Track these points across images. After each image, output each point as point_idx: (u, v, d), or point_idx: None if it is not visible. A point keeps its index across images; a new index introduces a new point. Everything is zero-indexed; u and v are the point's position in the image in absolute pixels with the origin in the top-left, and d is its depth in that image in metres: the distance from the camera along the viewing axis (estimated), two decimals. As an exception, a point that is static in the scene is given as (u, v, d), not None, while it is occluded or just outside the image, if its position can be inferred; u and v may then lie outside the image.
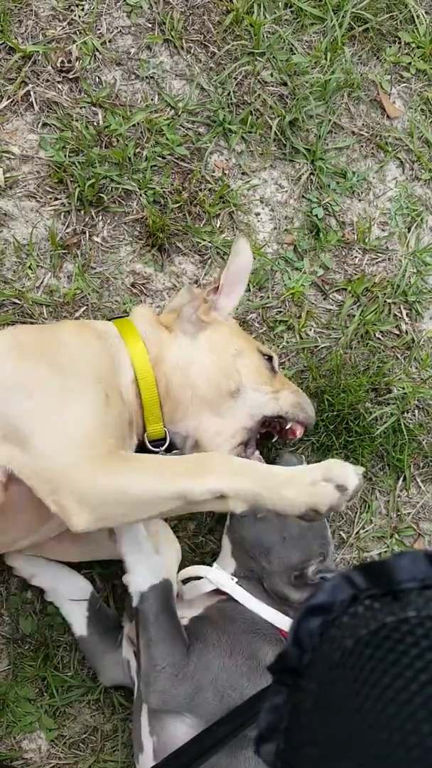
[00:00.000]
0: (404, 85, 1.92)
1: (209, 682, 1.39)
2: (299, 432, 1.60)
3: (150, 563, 1.47)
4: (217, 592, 1.52)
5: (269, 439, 1.64)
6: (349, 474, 1.27)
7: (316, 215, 1.82)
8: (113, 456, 1.25)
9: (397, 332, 1.83)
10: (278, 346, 1.78)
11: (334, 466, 1.28)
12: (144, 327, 1.51)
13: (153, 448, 1.47)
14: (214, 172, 1.80)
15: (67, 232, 1.72)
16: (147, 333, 1.50)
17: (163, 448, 1.47)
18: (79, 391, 1.30)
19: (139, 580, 1.45)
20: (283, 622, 1.48)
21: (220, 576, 1.52)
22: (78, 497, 1.20)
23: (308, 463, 1.74)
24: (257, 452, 1.55)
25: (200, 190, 1.78)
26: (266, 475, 1.26)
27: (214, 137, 1.80)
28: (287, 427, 1.58)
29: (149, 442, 1.47)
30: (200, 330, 1.52)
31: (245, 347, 1.55)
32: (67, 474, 1.21)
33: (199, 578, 1.55)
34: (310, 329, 1.80)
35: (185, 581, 1.57)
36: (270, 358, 1.59)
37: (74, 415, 1.27)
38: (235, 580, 1.51)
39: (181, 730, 1.39)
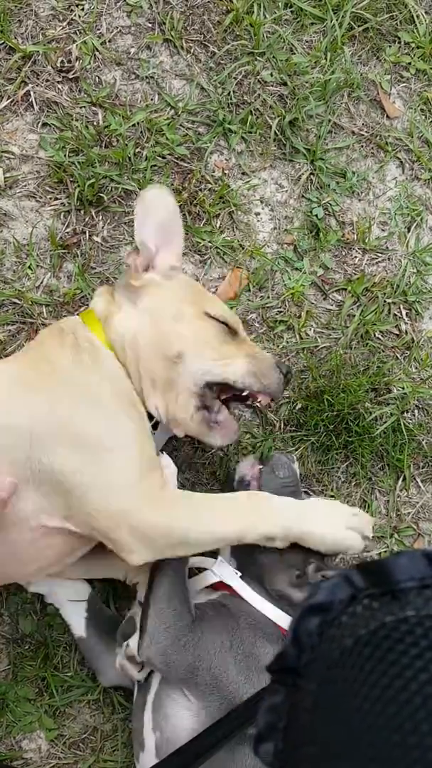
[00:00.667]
0: (404, 84, 1.92)
1: (207, 667, 1.39)
2: (264, 400, 1.51)
3: None
4: (219, 587, 1.52)
5: (245, 401, 1.55)
6: (370, 525, 1.42)
7: (316, 215, 1.82)
8: (167, 494, 1.32)
9: (397, 332, 1.83)
10: (278, 346, 1.78)
11: (363, 517, 1.42)
12: (100, 308, 1.48)
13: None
14: (214, 171, 1.80)
15: (67, 232, 1.72)
16: (101, 313, 1.47)
17: (151, 423, 1.46)
18: (109, 424, 1.32)
19: None
20: (285, 619, 1.48)
21: (225, 569, 1.52)
22: (140, 537, 1.27)
23: (300, 463, 1.74)
24: (226, 412, 1.49)
25: (200, 189, 1.78)
26: (310, 519, 1.37)
27: (214, 137, 1.80)
28: (245, 394, 1.49)
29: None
30: (137, 297, 1.47)
31: (186, 310, 1.46)
32: (128, 516, 1.27)
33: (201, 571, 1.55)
34: (310, 329, 1.80)
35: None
36: (223, 321, 1.48)
37: (118, 455, 1.29)
38: (239, 575, 1.51)
39: (184, 721, 1.39)
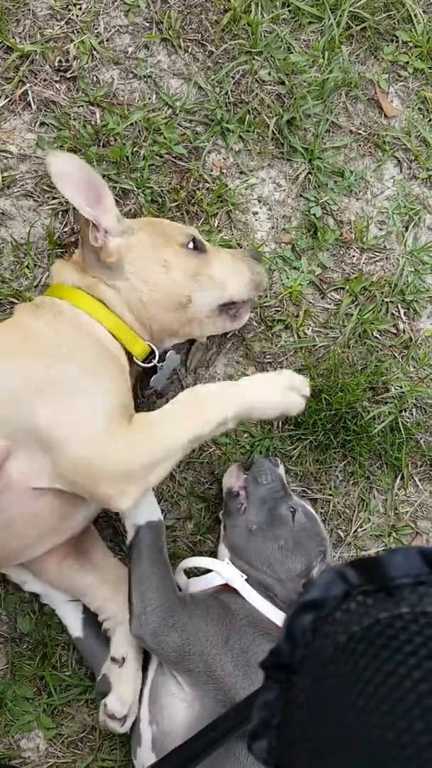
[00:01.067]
0: (402, 84, 1.92)
1: (198, 652, 1.39)
2: (245, 313, 1.65)
3: (150, 500, 1.52)
4: (223, 586, 1.52)
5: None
6: (305, 383, 1.52)
7: (314, 214, 1.82)
8: (136, 426, 1.35)
9: (395, 331, 1.83)
10: (276, 345, 1.78)
11: (294, 377, 1.51)
12: (72, 280, 1.50)
13: (146, 366, 1.52)
14: (211, 171, 1.80)
15: (64, 231, 1.72)
16: (77, 283, 1.49)
17: (156, 361, 1.53)
18: (84, 377, 1.34)
19: (137, 514, 1.49)
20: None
21: (231, 571, 1.52)
22: (118, 479, 1.29)
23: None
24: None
25: (198, 189, 1.78)
26: (249, 392, 1.45)
27: (211, 136, 1.79)
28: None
29: (142, 362, 1.51)
30: (118, 269, 1.49)
31: (167, 255, 1.51)
32: (107, 464, 1.29)
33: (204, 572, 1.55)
34: (308, 328, 1.80)
35: (191, 573, 1.57)
36: (192, 241, 1.54)
37: (89, 403, 1.32)
38: (245, 577, 1.51)
39: (179, 713, 1.39)
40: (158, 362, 1.54)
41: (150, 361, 1.52)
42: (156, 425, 1.36)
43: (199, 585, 1.53)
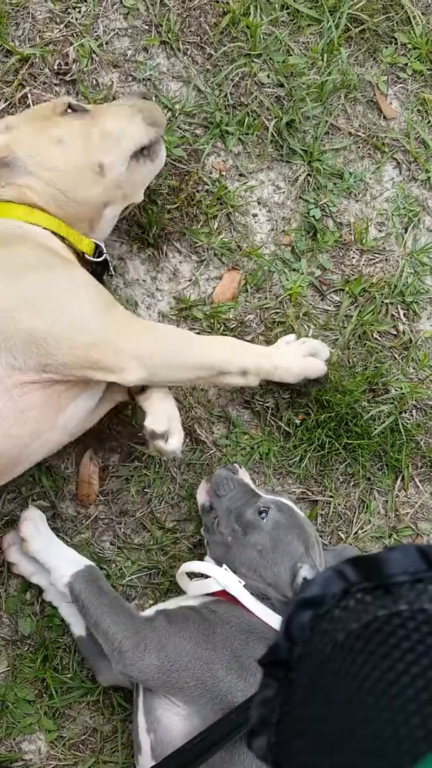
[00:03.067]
0: (401, 85, 1.93)
1: (182, 668, 1.39)
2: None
3: (65, 553, 1.55)
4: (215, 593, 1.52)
5: None
6: (326, 349, 1.68)
7: (314, 216, 1.83)
8: (144, 321, 1.48)
9: (395, 332, 1.84)
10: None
11: (315, 344, 1.66)
12: None
13: (98, 260, 1.55)
14: (211, 173, 1.80)
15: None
16: None
17: (104, 257, 1.55)
18: (55, 276, 1.38)
19: (60, 573, 1.51)
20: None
21: (229, 578, 1.49)
22: (131, 354, 1.37)
23: (303, 463, 1.74)
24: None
25: (197, 191, 1.78)
26: (276, 354, 1.60)
27: (211, 139, 1.80)
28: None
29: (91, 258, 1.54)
30: (12, 164, 1.48)
31: (54, 132, 1.49)
32: (117, 340, 1.36)
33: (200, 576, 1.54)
34: (308, 330, 1.80)
35: (192, 575, 1.57)
36: (69, 106, 1.53)
37: (75, 294, 1.37)
38: (243, 583, 1.49)
39: (176, 725, 1.39)
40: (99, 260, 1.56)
41: (99, 257, 1.55)
42: (189, 335, 1.50)
43: (198, 589, 1.52)
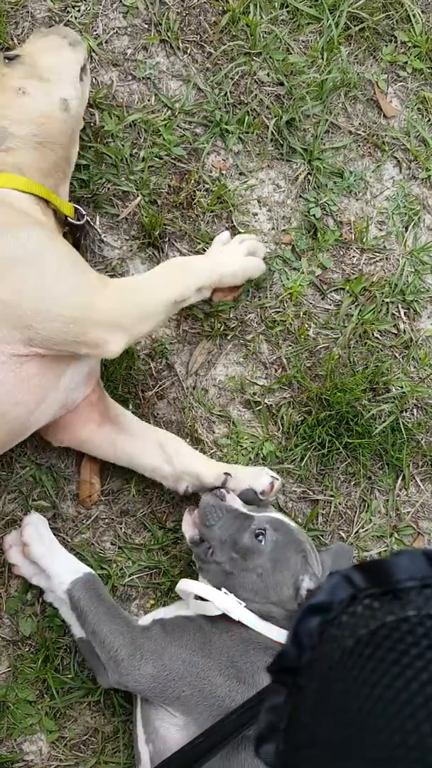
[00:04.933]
0: (401, 84, 1.92)
1: (178, 677, 1.39)
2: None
3: (65, 559, 1.54)
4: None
5: None
6: (261, 248, 1.73)
7: (314, 215, 1.82)
8: (124, 283, 1.50)
9: (395, 331, 1.83)
10: (276, 346, 1.78)
11: (251, 243, 1.70)
12: None
13: (78, 223, 1.60)
14: (211, 172, 1.80)
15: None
16: None
17: (84, 219, 1.62)
18: (28, 243, 1.38)
19: (60, 579, 1.51)
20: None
21: (228, 602, 1.45)
22: (110, 324, 1.39)
23: (302, 464, 1.74)
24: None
25: (197, 190, 1.78)
26: (219, 262, 1.64)
27: (211, 137, 1.80)
28: None
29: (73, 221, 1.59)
30: None
31: (10, 84, 1.54)
32: (92, 312, 1.38)
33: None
34: (309, 329, 1.80)
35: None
36: (6, 58, 1.57)
37: (49, 263, 1.38)
38: (243, 604, 1.45)
39: (173, 735, 1.39)
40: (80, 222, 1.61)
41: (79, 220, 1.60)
42: (144, 282, 1.52)
43: (197, 609, 1.50)
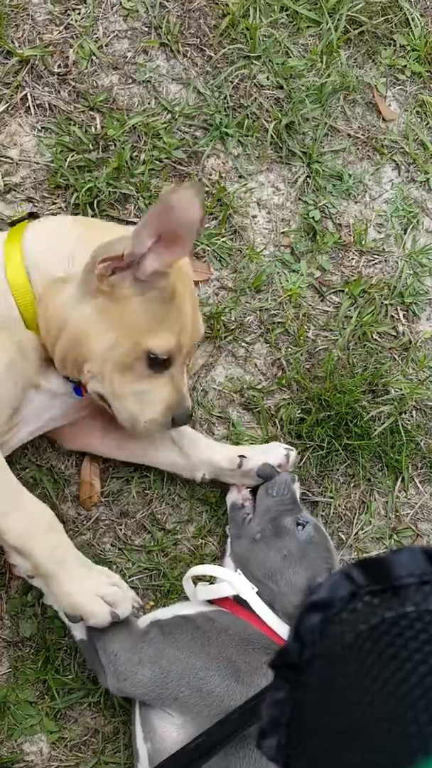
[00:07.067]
0: (400, 87, 1.93)
1: (176, 678, 1.39)
2: None
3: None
4: (216, 602, 1.51)
5: None
6: (129, 603, 1.40)
7: (313, 218, 1.83)
8: None
9: (394, 333, 1.84)
10: (275, 348, 1.78)
11: (120, 593, 1.39)
12: (38, 256, 1.37)
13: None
14: (211, 175, 1.81)
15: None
16: (39, 264, 1.36)
17: None
18: None
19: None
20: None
21: (242, 583, 1.49)
22: None
23: (300, 463, 1.75)
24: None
25: (197, 193, 1.79)
26: (68, 568, 1.36)
27: (210, 141, 1.80)
28: None
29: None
30: (94, 292, 1.32)
31: (123, 344, 1.32)
32: None
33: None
34: (308, 331, 1.81)
35: (198, 579, 1.56)
36: (161, 358, 1.34)
37: None
38: (256, 590, 1.48)
39: (171, 734, 1.39)
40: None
41: None
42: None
43: (207, 594, 1.52)
